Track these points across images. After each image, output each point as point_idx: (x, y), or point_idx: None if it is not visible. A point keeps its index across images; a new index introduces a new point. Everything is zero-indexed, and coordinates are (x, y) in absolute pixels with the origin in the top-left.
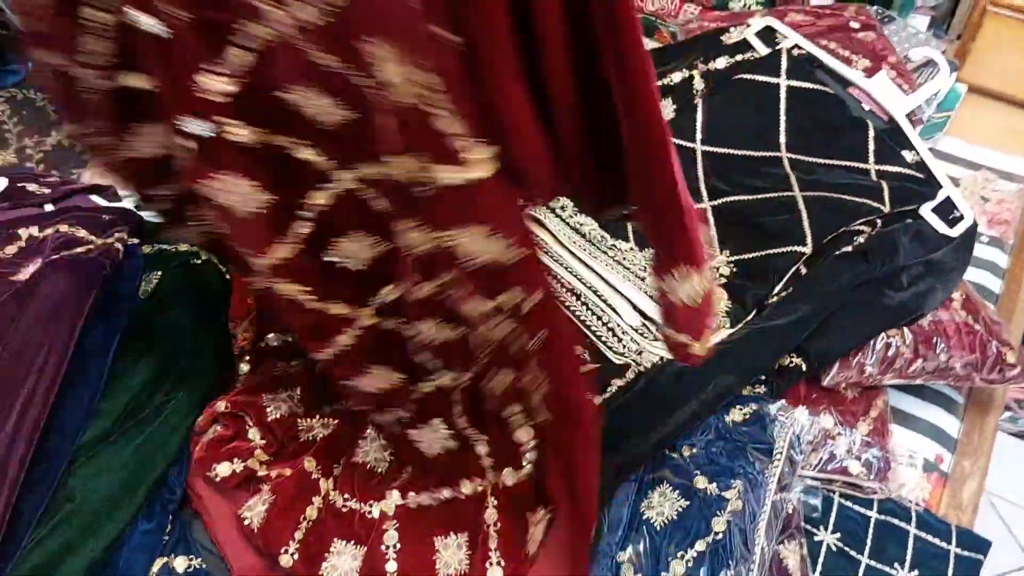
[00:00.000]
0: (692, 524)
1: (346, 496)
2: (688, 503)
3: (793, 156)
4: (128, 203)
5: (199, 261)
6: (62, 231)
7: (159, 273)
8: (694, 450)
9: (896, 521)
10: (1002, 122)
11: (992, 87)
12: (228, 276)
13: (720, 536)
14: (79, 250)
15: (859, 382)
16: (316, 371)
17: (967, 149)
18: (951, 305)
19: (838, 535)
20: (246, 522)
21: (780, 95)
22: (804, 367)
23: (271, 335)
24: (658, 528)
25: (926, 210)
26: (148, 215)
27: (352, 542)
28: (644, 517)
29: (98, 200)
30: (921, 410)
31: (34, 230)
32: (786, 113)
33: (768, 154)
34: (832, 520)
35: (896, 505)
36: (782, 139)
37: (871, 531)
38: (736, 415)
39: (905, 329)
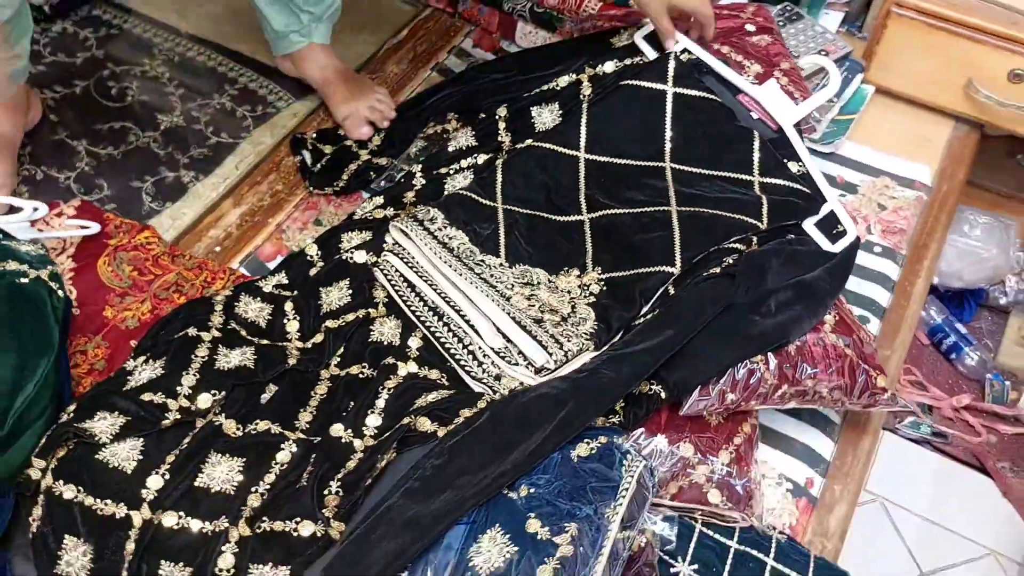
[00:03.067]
0: (519, 573)
1: None
2: (517, 549)
3: (676, 167)
4: None
5: (26, 280)
6: None
7: None
8: (532, 489)
9: (755, 552)
10: (907, 126)
11: (898, 89)
12: (62, 293)
13: None
14: None
15: (721, 409)
16: None
17: (869, 154)
18: (822, 328)
19: (696, 566)
20: None
21: (667, 103)
22: (663, 395)
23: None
24: None
25: (809, 224)
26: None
27: None
28: (471, 564)
29: None
30: (795, 431)
31: None
32: (672, 122)
33: (651, 164)
34: (691, 550)
35: (757, 534)
36: (667, 148)
37: (729, 562)
38: (583, 449)
39: (770, 354)
